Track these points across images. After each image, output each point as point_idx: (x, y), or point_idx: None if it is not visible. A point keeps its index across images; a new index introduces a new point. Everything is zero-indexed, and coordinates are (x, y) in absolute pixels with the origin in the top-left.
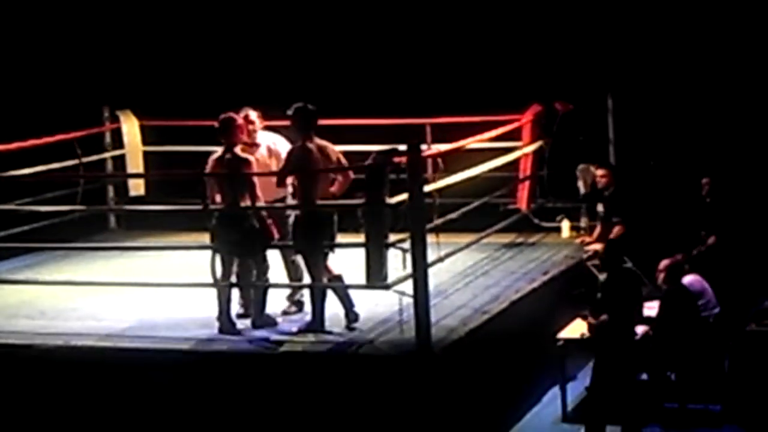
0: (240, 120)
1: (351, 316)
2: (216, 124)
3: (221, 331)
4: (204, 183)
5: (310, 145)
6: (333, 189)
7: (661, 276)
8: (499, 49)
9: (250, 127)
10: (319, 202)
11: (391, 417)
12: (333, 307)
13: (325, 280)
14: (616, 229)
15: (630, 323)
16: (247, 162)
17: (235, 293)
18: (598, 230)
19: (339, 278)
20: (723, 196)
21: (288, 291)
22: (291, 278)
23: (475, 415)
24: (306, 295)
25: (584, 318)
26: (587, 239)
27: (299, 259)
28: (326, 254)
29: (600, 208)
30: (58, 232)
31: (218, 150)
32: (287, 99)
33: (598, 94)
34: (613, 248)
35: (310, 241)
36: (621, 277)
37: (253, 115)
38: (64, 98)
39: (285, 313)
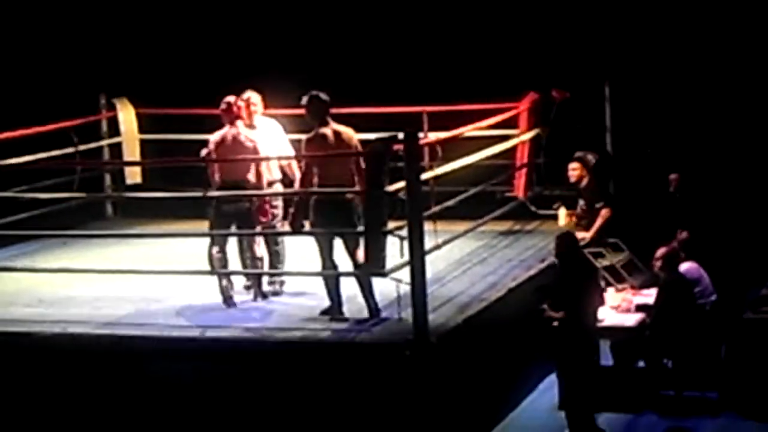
0: (241, 102)
1: (371, 304)
2: (218, 109)
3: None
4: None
5: (325, 131)
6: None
7: (658, 264)
8: (495, 37)
9: (252, 108)
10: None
11: (389, 404)
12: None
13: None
14: (603, 212)
15: (584, 316)
16: (252, 142)
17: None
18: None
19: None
20: (693, 191)
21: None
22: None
23: (471, 402)
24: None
25: (542, 312)
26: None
27: (282, 249)
28: (355, 241)
29: (580, 201)
30: (55, 219)
31: (218, 133)
32: (284, 87)
33: (595, 81)
34: (566, 241)
35: (321, 226)
36: (575, 270)
37: (255, 97)
38: (61, 86)
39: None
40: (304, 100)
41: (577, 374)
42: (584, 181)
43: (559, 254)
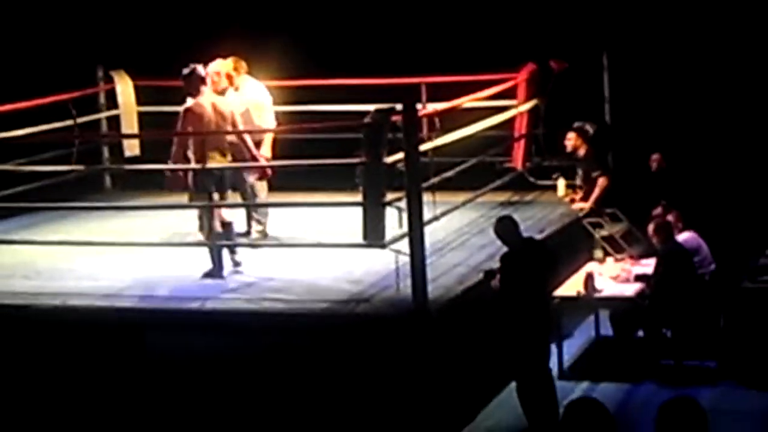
0: (203, 72)
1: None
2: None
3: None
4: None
5: (203, 101)
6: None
7: (655, 240)
8: (493, 7)
9: (215, 78)
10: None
11: (389, 375)
12: (338, 267)
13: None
14: (600, 181)
15: (528, 295)
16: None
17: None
18: (583, 187)
19: (229, 225)
20: (687, 163)
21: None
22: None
23: (470, 372)
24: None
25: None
26: (576, 198)
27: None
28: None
29: (579, 171)
30: (53, 192)
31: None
32: (283, 58)
33: (593, 51)
34: (508, 222)
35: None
36: (521, 250)
37: (214, 66)
38: (58, 59)
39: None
40: (185, 71)
41: (526, 361)
42: (581, 151)
43: (500, 238)
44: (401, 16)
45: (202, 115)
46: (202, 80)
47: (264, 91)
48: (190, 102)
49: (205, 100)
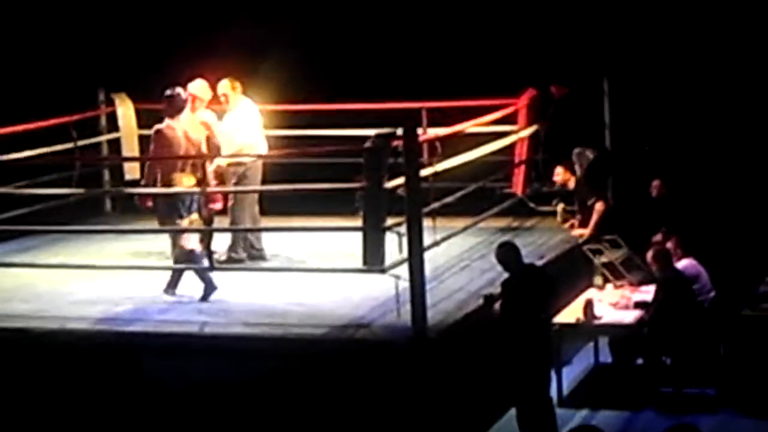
0: (184, 95)
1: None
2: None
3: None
4: None
5: (175, 124)
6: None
7: (654, 267)
8: (494, 33)
9: (197, 103)
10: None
11: (388, 400)
12: (338, 292)
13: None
14: (597, 206)
15: (528, 322)
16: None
17: None
18: (579, 216)
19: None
20: (687, 189)
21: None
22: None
23: (470, 398)
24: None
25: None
26: (575, 224)
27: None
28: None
29: (575, 203)
30: (54, 215)
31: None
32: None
33: (593, 77)
34: (509, 248)
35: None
36: (522, 276)
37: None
38: (60, 81)
39: None
40: (168, 92)
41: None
42: (570, 183)
43: (501, 263)
44: (402, 41)
45: (173, 138)
46: (183, 104)
47: (252, 113)
48: (163, 124)
49: (179, 123)
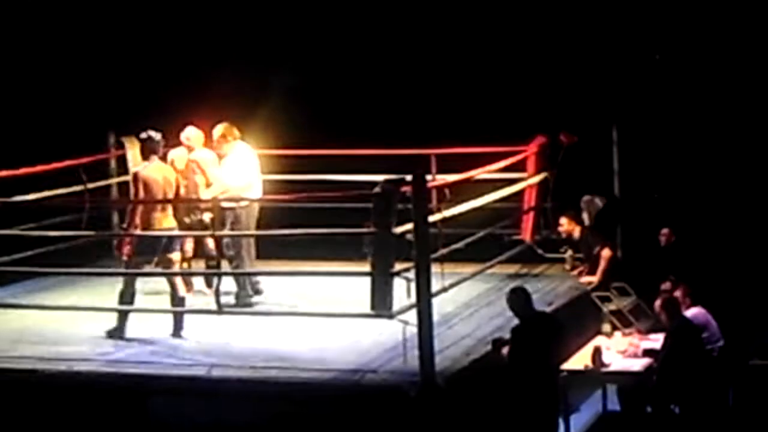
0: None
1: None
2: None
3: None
4: None
5: (151, 166)
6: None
7: (662, 316)
8: (504, 80)
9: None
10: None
11: None
12: (346, 336)
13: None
14: (604, 253)
15: (537, 369)
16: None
17: None
18: (587, 264)
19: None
20: (695, 237)
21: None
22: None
23: None
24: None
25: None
26: (584, 271)
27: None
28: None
29: (580, 253)
30: (63, 257)
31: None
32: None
33: (603, 125)
34: (521, 294)
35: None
36: (533, 323)
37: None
38: (70, 124)
39: None
40: (143, 135)
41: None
42: (575, 234)
43: (512, 309)
44: (412, 87)
45: (147, 179)
46: (156, 147)
47: (249, 157)
48: (139, 167)
49: (155, 165)
